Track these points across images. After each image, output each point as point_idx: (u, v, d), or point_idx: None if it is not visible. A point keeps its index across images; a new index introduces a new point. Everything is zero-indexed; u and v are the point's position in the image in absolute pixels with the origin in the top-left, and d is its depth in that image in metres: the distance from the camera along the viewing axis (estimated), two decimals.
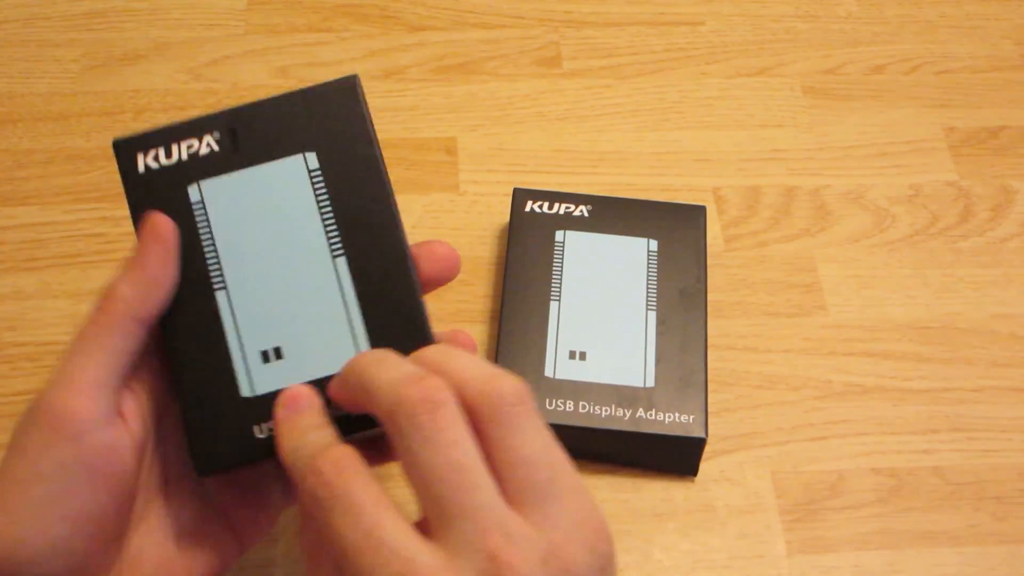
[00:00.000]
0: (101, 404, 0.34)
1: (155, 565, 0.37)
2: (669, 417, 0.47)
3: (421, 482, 0.30)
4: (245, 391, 0.36)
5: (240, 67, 0.63)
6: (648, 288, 0.51)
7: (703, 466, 0.48)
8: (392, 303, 0.37)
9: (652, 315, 0.50)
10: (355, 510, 0.30)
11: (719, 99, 0.63)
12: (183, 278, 0.37)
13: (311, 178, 0.38)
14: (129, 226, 0.54)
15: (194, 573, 0.38)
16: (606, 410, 0.47)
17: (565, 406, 0.47)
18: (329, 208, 0.37)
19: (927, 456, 0.50)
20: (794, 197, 0.58)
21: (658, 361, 0.48)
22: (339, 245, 0.37)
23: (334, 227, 0.37)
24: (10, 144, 0.59)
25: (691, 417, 0.47)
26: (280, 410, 0.35)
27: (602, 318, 0.50)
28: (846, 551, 0.47)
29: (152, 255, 0.36)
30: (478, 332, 0.52)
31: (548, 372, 0.48)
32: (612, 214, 0.53)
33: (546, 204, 0.53)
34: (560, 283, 0.51)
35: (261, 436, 0.36)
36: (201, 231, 0.37)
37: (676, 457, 0.48)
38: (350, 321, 0.37)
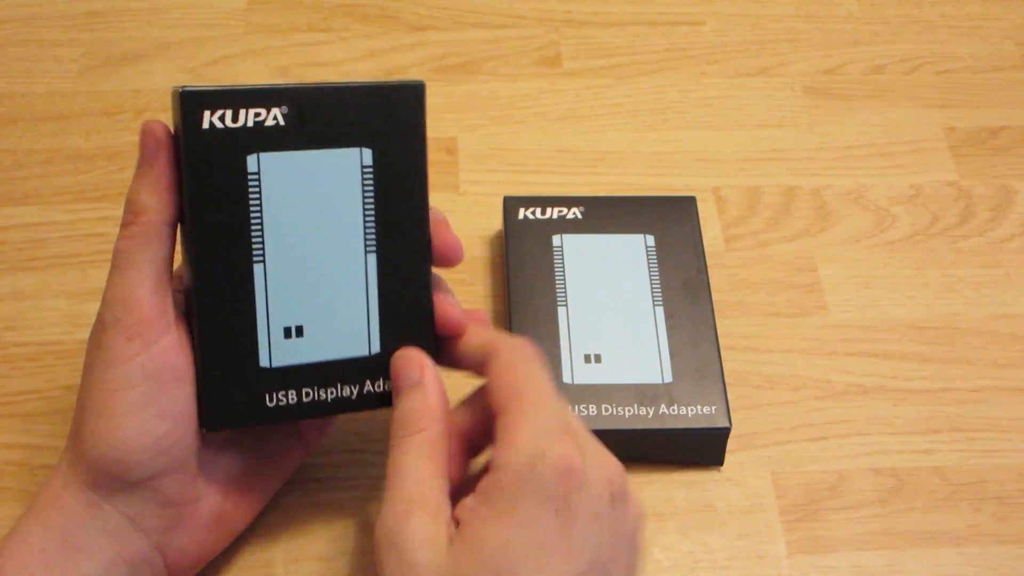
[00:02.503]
0: (162, 310, 0.37)
1: (239, 471, 0.42)
2: (691, 410, 0.47)
3: None
4: (264, 361, 0.38)
5: (240, 67, 0.63)
6: (652, 284, 0.51)
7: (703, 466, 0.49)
8: (406, 309, 0.40)
9: (660, 310, 0.50)
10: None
11: (719, 99, 0.63)
12: (226, 243, 0.37)
13: (363, 173, 0.39)
14: None
15: (270, 474, 0.43)
16: (628, 410, 0.47)
17: (588, 410, 0.47)
18: (372, 206, 0.39)
19: (927, 456, 0.49)
20: (794, 197, 0.58)
21: (672, 355, 0.48)
22: (373, 242, 0.39)
23: (372, 224, 0.39)
24: (10, 144, 0.59)
25: (713, 408, 0.47)
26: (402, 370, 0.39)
27: (612, 319, 0.50)
28: (846, 551, 0.47)
29: (159, 159, 0.36)
30: None
31: (567, 379, 0.47)
32: (605, 213, 0.53)
33: (538, 210, 0.53)
34: (565, 288, 0.50)
35: (271, 404, 0.38)
36: (252, 201, 0.38)
37: (701, 449, 0.48)
38: (368, 316, 0.39)
